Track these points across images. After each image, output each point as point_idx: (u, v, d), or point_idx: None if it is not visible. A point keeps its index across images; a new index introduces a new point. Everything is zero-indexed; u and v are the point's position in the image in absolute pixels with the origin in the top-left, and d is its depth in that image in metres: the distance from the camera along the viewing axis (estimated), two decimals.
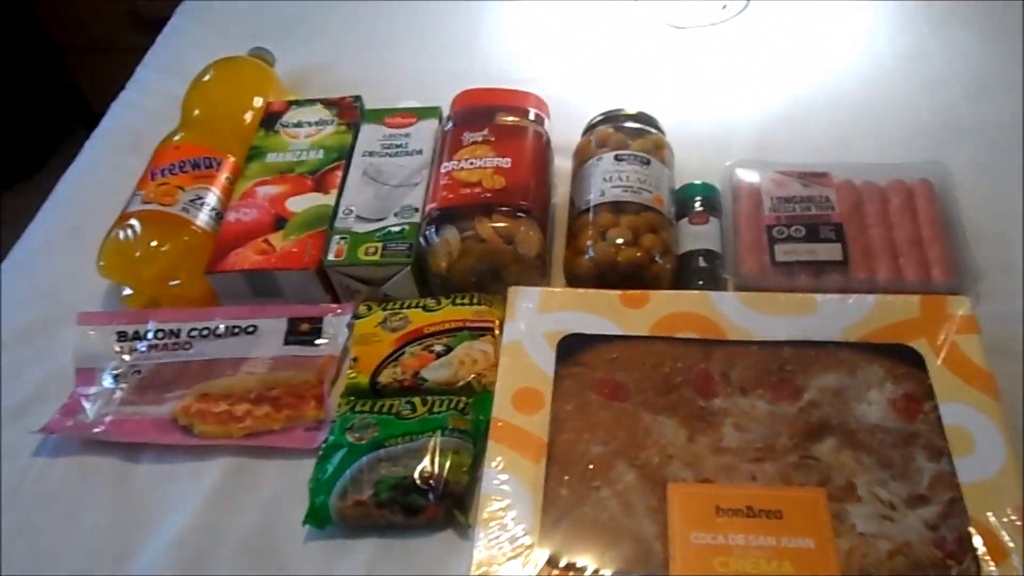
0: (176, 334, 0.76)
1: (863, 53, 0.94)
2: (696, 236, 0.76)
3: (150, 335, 0.76)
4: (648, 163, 0.76)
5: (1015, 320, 0.68)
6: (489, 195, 0.73)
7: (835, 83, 0.91)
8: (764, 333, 0.67)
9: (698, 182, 0.80)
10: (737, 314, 0.68)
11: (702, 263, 0.74)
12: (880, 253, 0.73)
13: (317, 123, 0.87)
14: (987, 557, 0.54)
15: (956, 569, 0.54)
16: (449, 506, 0.63)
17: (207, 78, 0.93)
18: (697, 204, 0.78)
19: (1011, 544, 0.54)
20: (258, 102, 0.92)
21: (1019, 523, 0.55)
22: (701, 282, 0.73)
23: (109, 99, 1.05)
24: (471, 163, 0.76)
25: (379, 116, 0.86)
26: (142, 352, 0.75)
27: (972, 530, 0.55)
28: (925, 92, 0.88)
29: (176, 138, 0.85)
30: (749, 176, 0.80)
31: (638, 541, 0.57)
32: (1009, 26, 0.93)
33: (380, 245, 0.75)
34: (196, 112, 0.90)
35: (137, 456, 0.70)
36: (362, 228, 0.76)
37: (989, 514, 0.55)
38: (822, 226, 0.74)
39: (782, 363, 0.65)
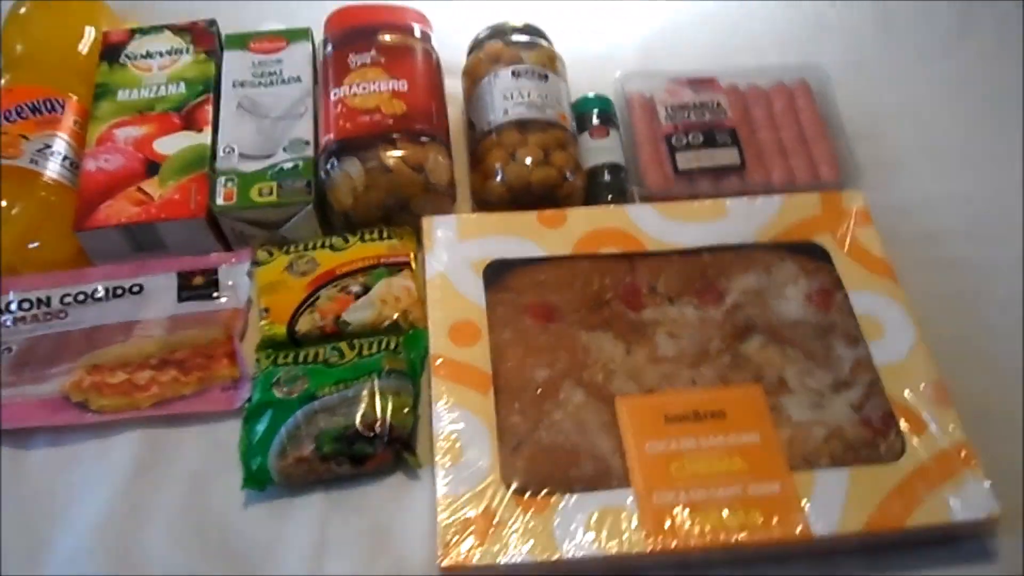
0: (46, 302, 0.67)
1: None
2: (598, 150, 0.75)
3: (13, 307, 0.67)
4: (546, 78, 0.74)
5: (900, 211, 0.73)
6: (391, 122, 0.69)
7: None
8: (682, 241, 0.68)
9: (591, 95, 0.79)
10: (654, 225, 0.69)
11: (607, 177, 0.74)
12: (771, 155, 0.76)
13: (170, 52, 0.78)
14: (908, 431, 0.59)
15: (883, 445, 0.59)
16: (397, 450, 0.61)
17: (24, 9, 0.80)
18: (594, 118, 0.77)
19: (927, 417, 0.59)
20: (91, 33, 0.80)
21: (932, 396, 0.60)
22: (610, 196, 0.74)
23: None
24: (364, 88, 0.71)
25: (242, 41, 0.78)
26: (8, 327, 0.66)
27: (893, 407, 0.60)
28: None
29: (3, 80, 0.74)
30: (640, 87, 0.80)
31: (597, 458, 0.58)
32: None
33: (274, 184, 0.69)
34: (19, 48, 0.78)
35: (25, 442, 0.63)
36: (249, 167, 0.70)
37: (906, 391, 0.61)
38: (718, 131, 0.76)
39: (703, 268, 0.67)
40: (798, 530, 0.55)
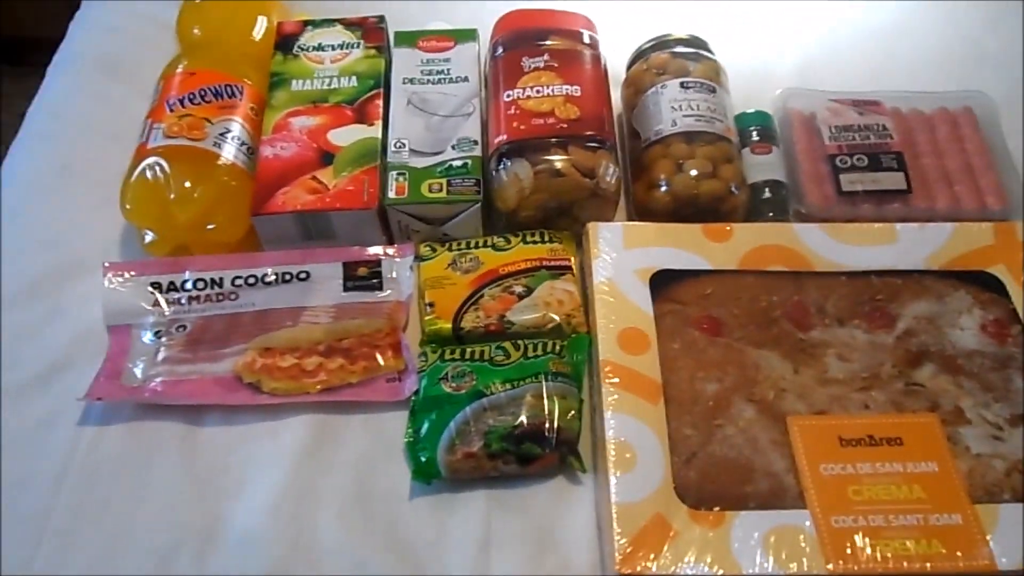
0: (219, 283, 0.69)
1: None
2: (760, 166, 0.75)
3: (188, 285, 0.69)
4: (714, 91, 0.74)
5: None
6: (564, 126, 0.69)
7: (866, 14, 0.91)
8: (850, 263, 0.68)
9: (751, 111, 0.78)
10: (822, 245, 0.68)
11: (769, 193, 0.74)
12: (936, 182, 0.75)
13: (341, 46, 0.79)
14: None
15: None
16: (564, 453, 0.61)
17: None
18: (755, 134, 0.77)
19: None
20: (263, 22, 0.82)
21: None
22: (771, 213, 0.73)
23: (36, 22, 0.92)
24: (538, 91, 0.71)
25: (411, 39, 0.79)
26: (183, 305, 0.68)
27: None
28: (949, 22, 0.90)
29: (183, 64, 0.76)
30: (801, 105, 0.79)
31: (771, 475, 0.58)
32: None
33: (444, 181, 0.70)
34: (196, 33, 0.81)
35: (199, 419, 0.64)
36: (419, 163, 0.71)
37: None
38: (883, 155, 0.75)
39: (873, 293, 0.66)
40: (984, 563, 0.53)
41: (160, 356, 0.66)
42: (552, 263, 0.70)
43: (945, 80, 0.84)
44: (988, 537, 0.55)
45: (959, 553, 0.54)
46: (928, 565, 0.53)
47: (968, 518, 0.55)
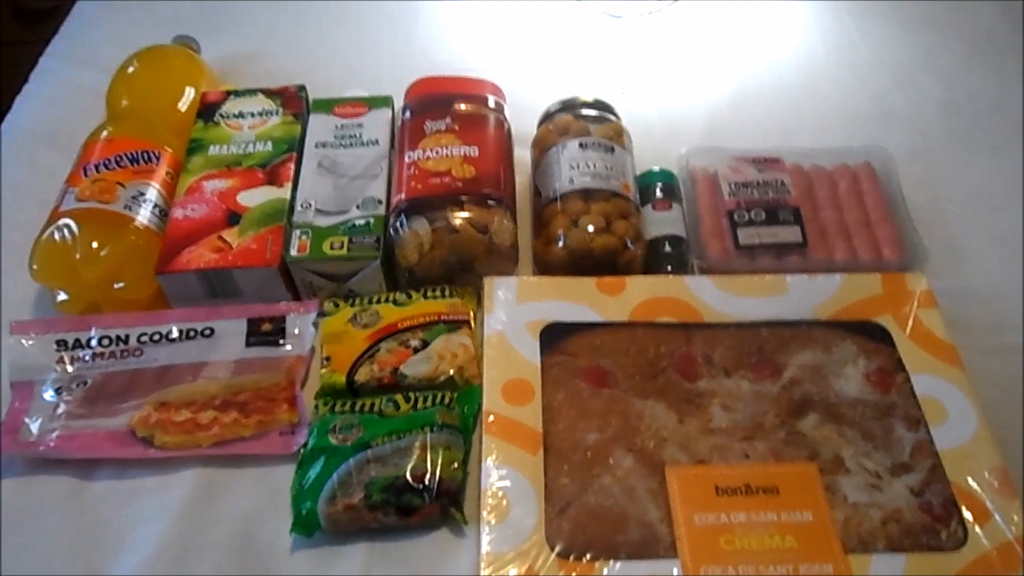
0: (124, 340, 0.70)
1: (797, 45, 0.98)
2: (661, 222, 0.77)
3: (94, 343, 0.70)
4: (612, 150, 0.76)
5: (964, 296, 0.72)
6: (460, 184, 0.72)
7: (774, 73, 0.94)
8: (740, 315, 0.69)
9: (656, 168, 0.80)
10: (712, 297, 0.70)
11: (668, 248, 0.75)
12: (834, 235, 0.76)
13: (261, 113, 0.83)
14: (971, 520, 0.57)
15: (944, 532, 0.57)
16: (445, 504, 0.61)
17: (133, 68, 0.86)
18: (658, 191, 0.79)
19: (991, 506, 0.57)
20: (190, 92, 0.86)
21: (996, 485, 0.58)
22: (670, 267, 0.74)
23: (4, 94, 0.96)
24: (437, 152, 0.74)
25: (328, 106, 0.83)
26: (87, 362, 0.69)
27: (955, 494, 0.58)
28: (856, 80, 0.93)
29: (106, 131, 0.79)
30: (704, 162, 0.81)
31: (644, 525, 0.58)
32: (927, 19, 0.99)
33: (346, 239, 0.72)
34: (124, 103, 0.84)
35: (91, 473, 0.65)
36: (324, 222, 0.73)
37: (968, 478, 0.59)
38: (781, 209, 0.77)
39: (760, 343, 0.67)
40: None
41: (58, 411, 0.67)
42: (450, 317, 0.71)
43: (852, 135, 0.86)
44: None
45: None
46: None
47: (840, 567, 0.55)
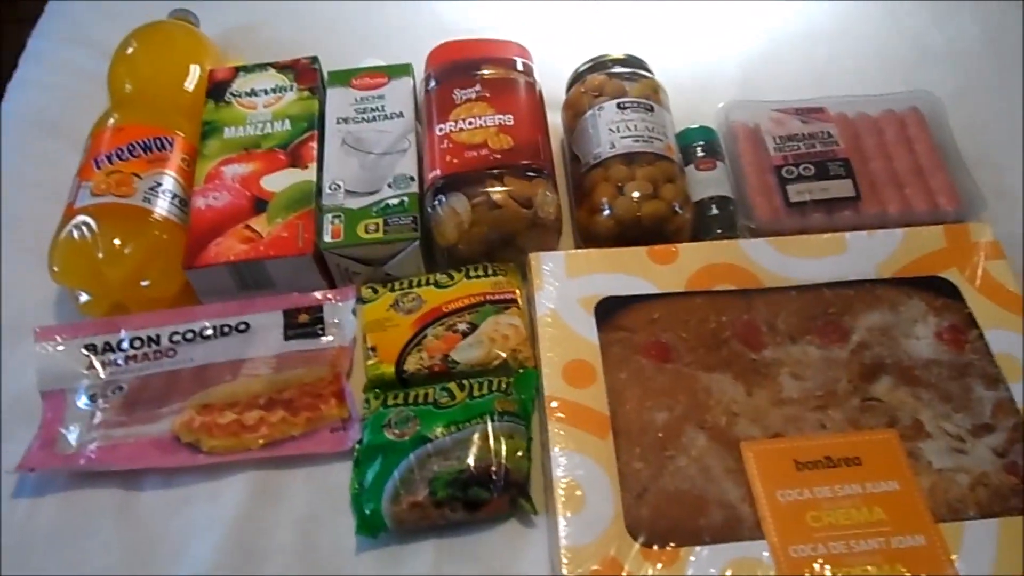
0: (156, 340, 0.67)
1: None
2: (706, 183, 0.73)
3: (125, 345, 0.67)
4: (652, 109, 0.73)
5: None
6: (498, 156, 0.68)
7: (805, 18, 0.90)
8: (800, 277, 0.66)
9: (695, 126, 0.77)
10: (770, 260, 0.67)
11: (716, 210, 0.72)
12: (885, 186, 0.73)
13: (274, 90, 0.78)
14: None
15: None
16: (513, 495, 0.59)
17: (133, 48, 0.81)
18: (699, 149, 0.75)
19: None
20: (196, 71, 0.81)
21: None
22: (720, 230, 0.71)
23: None
24: (470, 123, 0.70)
25: (344, 78, 0.78)
26: (119, 366, 0.66)
27: None
28: (891, 20, 0.89)
29: (113, 119, 0.74)
30: (744, 117, 0.78)
31: (725, 506, 0.56)
32: None
33: (381, 221, 0.68)
34: (128, 87, 0.79)
35: (138, 483, 0.62)
36: (355, 204, 0.69)
37: None
38: (830, 162, 0.73)
39: (824, 306, 0.65)
40: None
41: (96, 420, 0.64)
42: (496, 297, 0.68)
43: (890, 80, 0.83)
44: (953, 557, 0.52)
45: None
46: None
47: (932, 539, 0.53)
